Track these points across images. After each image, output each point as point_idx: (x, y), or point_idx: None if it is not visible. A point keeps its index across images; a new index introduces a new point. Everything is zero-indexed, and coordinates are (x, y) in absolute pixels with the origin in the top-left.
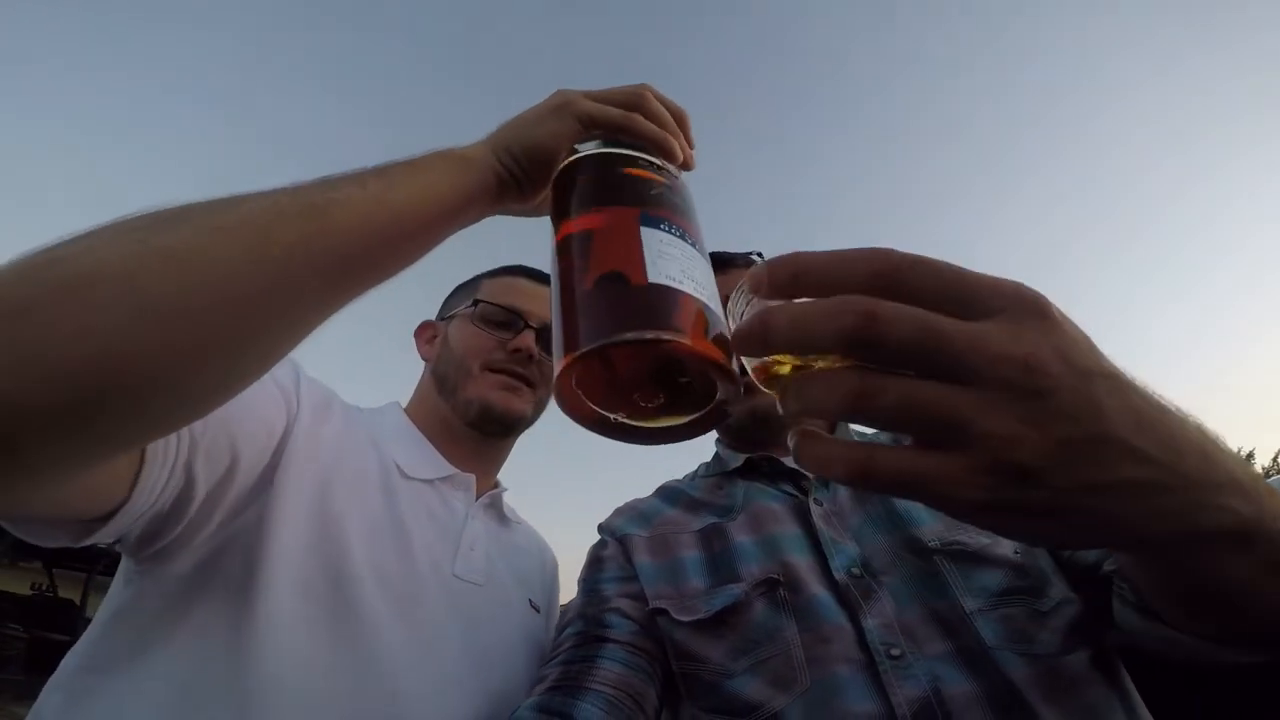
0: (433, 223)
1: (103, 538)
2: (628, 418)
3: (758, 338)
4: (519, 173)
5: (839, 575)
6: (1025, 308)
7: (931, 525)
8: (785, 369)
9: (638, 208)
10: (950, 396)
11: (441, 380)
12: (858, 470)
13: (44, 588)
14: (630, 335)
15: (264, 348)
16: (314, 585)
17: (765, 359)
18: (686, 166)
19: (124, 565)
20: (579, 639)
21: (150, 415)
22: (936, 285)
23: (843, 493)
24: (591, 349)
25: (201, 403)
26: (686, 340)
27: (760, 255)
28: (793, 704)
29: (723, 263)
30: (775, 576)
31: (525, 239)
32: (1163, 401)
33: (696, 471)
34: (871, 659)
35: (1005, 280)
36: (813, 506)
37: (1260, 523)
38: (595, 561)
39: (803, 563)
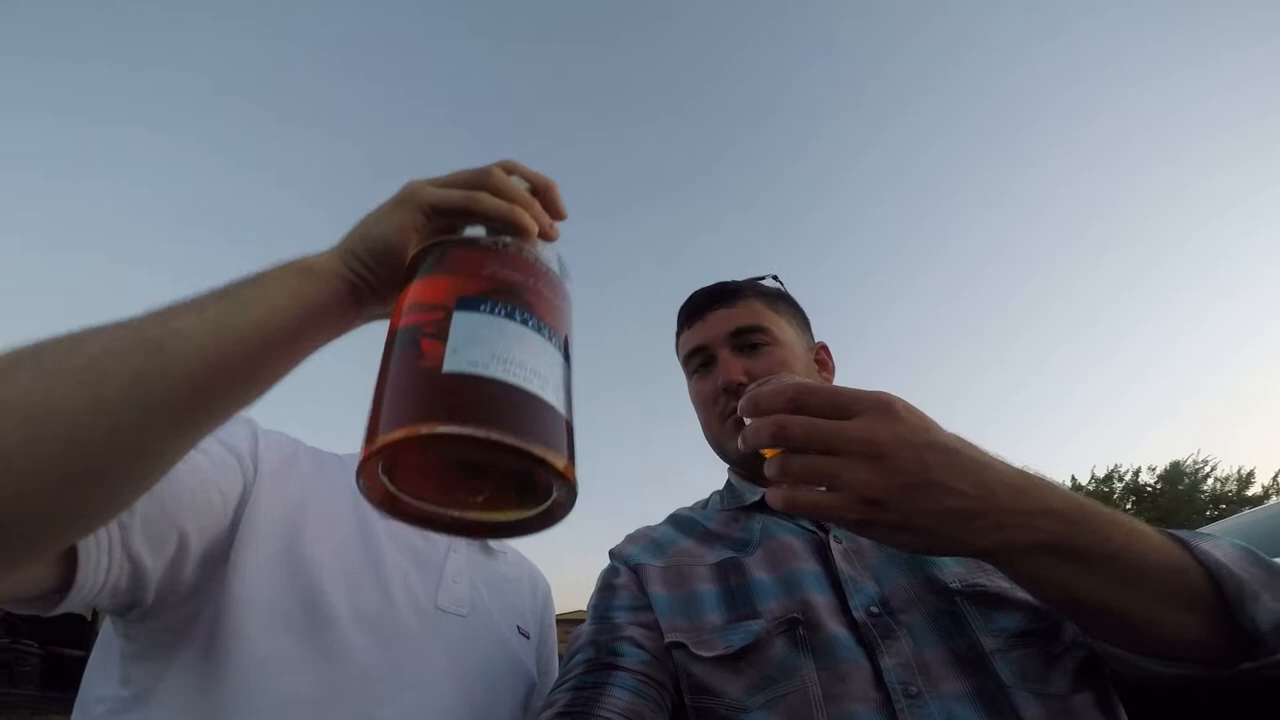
0: (281, 345)
1: (70, 608)
2: (459, 511)
3: (746, 443)
4: (370, 277)
5: (858, 614)
6: (877, 408)
7: (953, 567)
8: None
9: (456, 292)
10: (829, 463)
11: None
12: (787, 500)
13: None
14: (401, 434)
15: (128, 479)
16: (292, 624)
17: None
18: (545, 236)
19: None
20: (589, 665)
21: (25, 542)
22: (822, 402)
23: None
24: (374, 450)
25: (83, 523)
26: (482, 433)
27: (776, 278)
28: None
29: (730, 294)
30: (796, 615)
31: None
32: (985, 458)
33: (709, 501)
34: (888, 697)
35: (869, 392)
36: (833, 544)
37: (1069, 539)
38: (607, 588)
39: (822, 601)
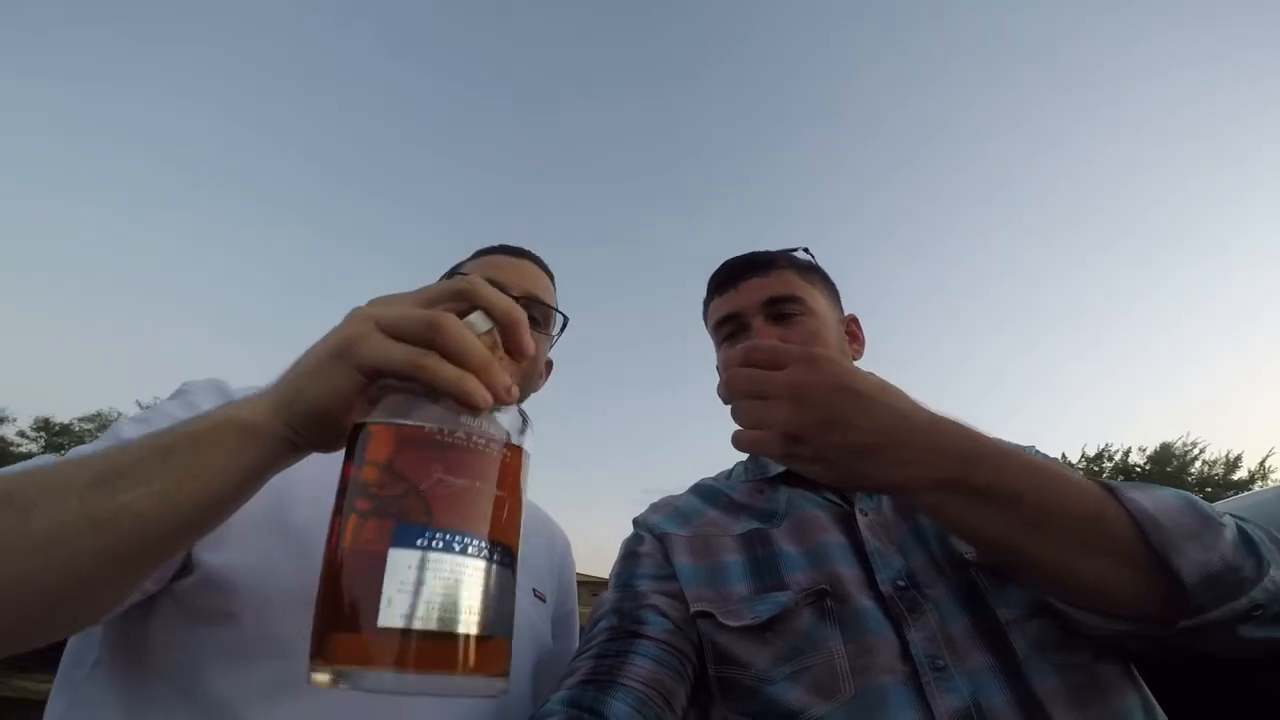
0: (225, 505)
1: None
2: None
3: (721, 397)
4: (311, 438)
5: (885, 588)
6: (802, 359)
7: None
8: None
9: (394, 513)
10: (760, 405)
11: None
12: (735, 439)
13: None
14: (327, 677)
15: (89, 618)
16: (288, 604)
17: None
18: (501, 402)
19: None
20: (612, 633)
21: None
22: (762, 357)
23: (887, 503)
24: (314, 663)
25: (45, 638)
26: (417, 690)
27: (807, 250)
28: (834, 711)
29: (764, 264)
30: (825, 587)
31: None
32: (896, 402)
33: (733, 471)
34: (915, 670)
35: (800, 348)
36: (859, 516)
37: (967, 477)
38: (631, 556)
39: (849, 574)
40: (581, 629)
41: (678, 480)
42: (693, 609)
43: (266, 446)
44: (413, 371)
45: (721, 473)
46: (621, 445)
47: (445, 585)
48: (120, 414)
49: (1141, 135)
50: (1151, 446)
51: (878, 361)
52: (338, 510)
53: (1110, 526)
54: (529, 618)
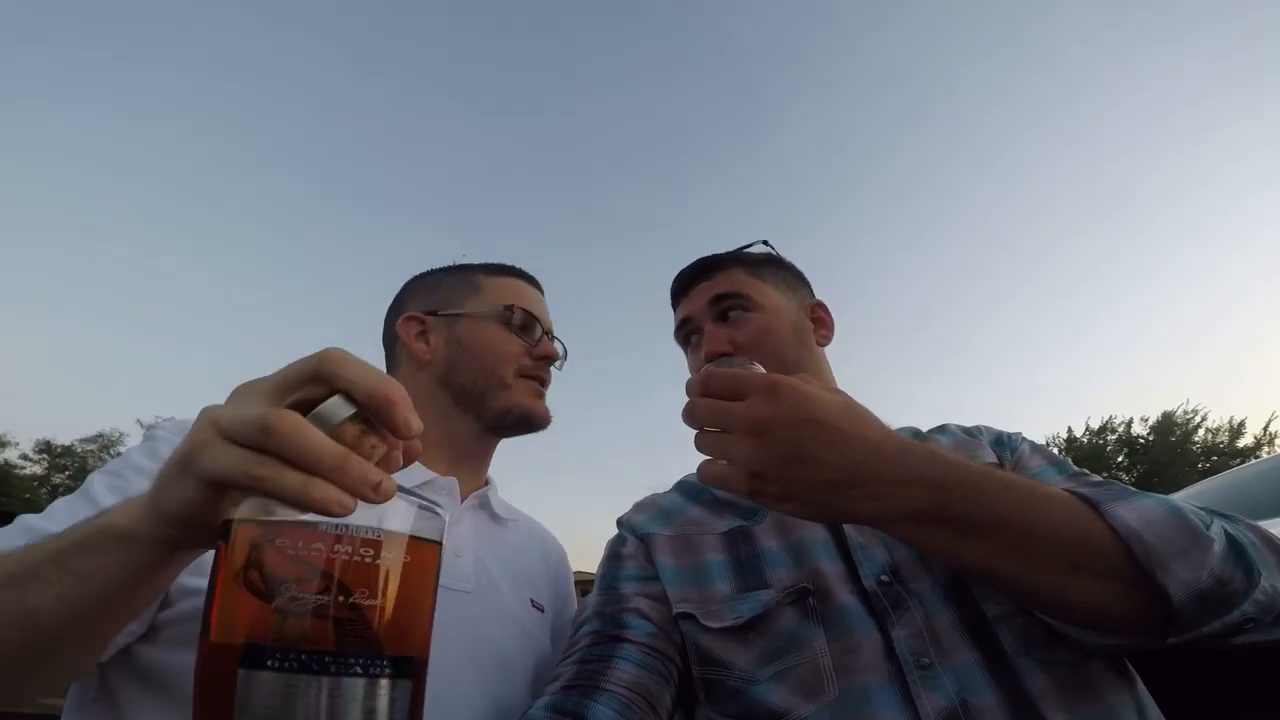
0: (122, 599)
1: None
2: None
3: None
4: (179, 537)
5: (868, 583)
6: (764, 390)
7: None
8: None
9: (245, 631)
10: (722, 439)
11: (460, 387)
12: (699, 472)
13: None
14: None
15: (32, 689)
16: None
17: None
18: (367, 499)
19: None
20: (595, 638)
21: None
22: (723, 386)
23: None
24: None
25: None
26: None
27: (766, 242)
28: (819, 711)
29: (710, 267)
30: (806, 585)
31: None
32: (865, 432)
33: None
34: (900, 668)
35: (761, 376)
36: None
37: (943, 506)
38: (614, 558)
39: (831, 570)
40: None
41: (674, 475)
42: (675, 610)
43: (144, 549)
44: (250, 483)
45: None
46: (629, 441)
47: (292, 709)
48: (121, 434)
49: (1137, 109)
50: (1154, 417)
51: (876, 342)
52: (208, 597)
53: (1096, 545)
54: (525, 628)
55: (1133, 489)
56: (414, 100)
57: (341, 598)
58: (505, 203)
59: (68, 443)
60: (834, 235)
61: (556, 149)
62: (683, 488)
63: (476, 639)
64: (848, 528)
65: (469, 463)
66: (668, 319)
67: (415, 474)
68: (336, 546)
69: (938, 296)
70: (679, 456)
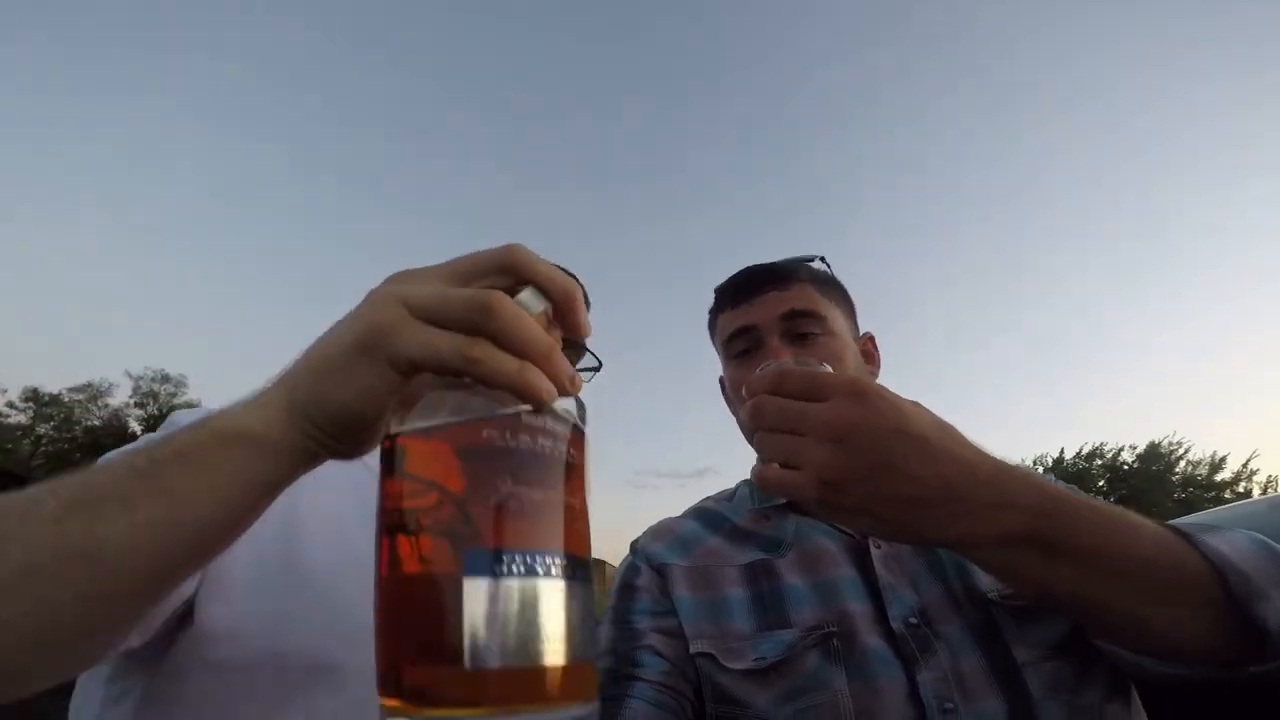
0: (226, 533)
1: None
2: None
3: (742, 425)
4: (332, 443)
5: (896, 625)
6: (849, 392)
7: (990, 577)
8: None
9: (457, 543)
10: (794, 442)
11: None
12: (760, 477)
13: None
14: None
15: (75, 666)
16: (305, 657)
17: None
18: (565, 392)
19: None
20: (607, 676)
21: None
22: (797, 385)
23: None
24: (391, 708)
25: (19, 690)
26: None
27: (824, 259)
28: None
29: (783, 276)
30: (830, 628)
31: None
32: (958, 449)
33: (736, 492)
34: (923, 713)
35: (843, 376)
36: (872, 548)
37: (1039, 532)
38: (627, 589)
39: (859, 609)
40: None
41: (671, 464)
42: (693, 649)
43: (279, 461)
44: (464, 365)
45: (723, 493)
46: (617, 428)
47: (528, 615)
48: (110, 384)
49: (1139, 144)
50: (1142, 445)
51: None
52: (386, 531)
53: (1190, 576)
54: None
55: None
56: (450, 95)
57: (541, 496)
58: (526, 201)
59: (55, 391)
60: (827, 249)
61: (560, 153)
62: (700, 515)
63: None
64: (878, 566)
65: None
66: (655, 315)
67: None
68: (534, 445)
69: (926, 323)
70: (657, 444)
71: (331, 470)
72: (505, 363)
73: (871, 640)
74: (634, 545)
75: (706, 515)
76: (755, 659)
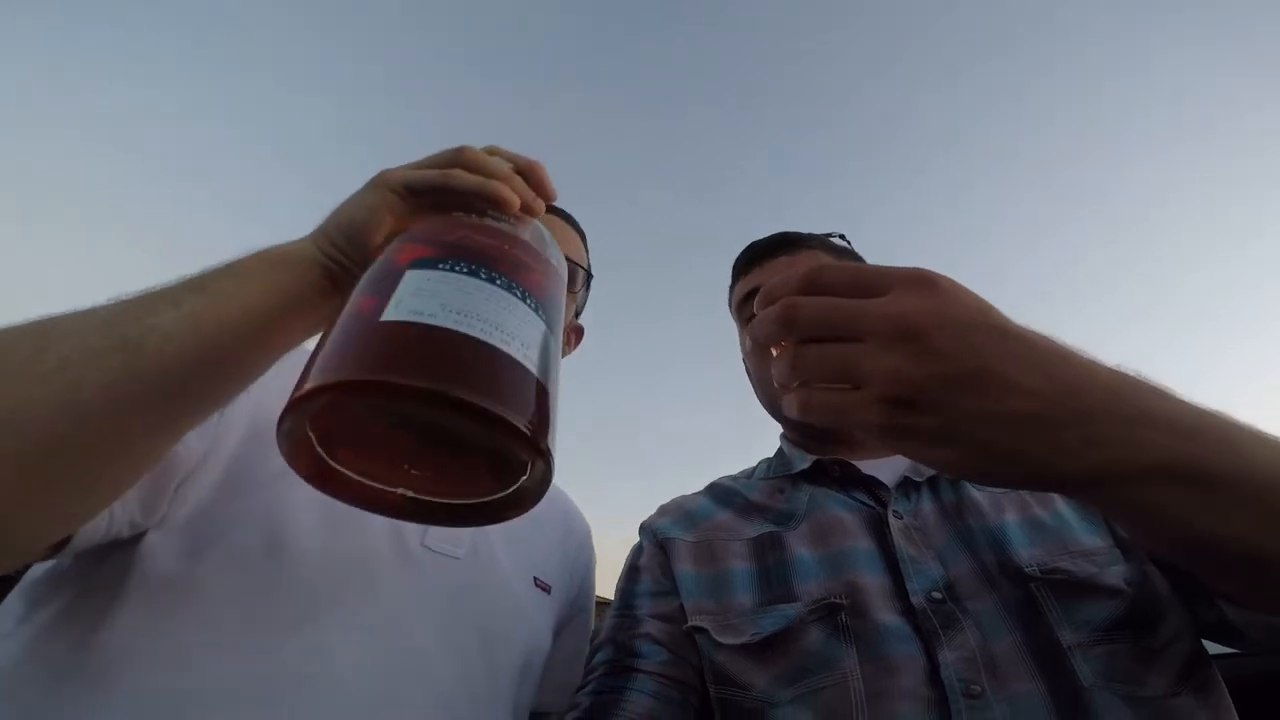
0: (260, 339)
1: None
2: (404, 490)
3: (757, 339)
4: (346, 261)
5: (916, 599)
6: (911, 283)
7: (1030, 550)
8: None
9: (413, 256)
10: (846, 349)
11: None
12: (802, 404)
13: None
14: (313, 386)
15: (111, 481)
16: (246, 559)
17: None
18: (529, 211)
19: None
20: (608, 667)
21: (10, 549)
22: (844, 279)
23: (927, 505)
24: (286, 406)
25: (70, 524)
26: (422, 383)
27: (844, 236)
28: None
29: (794, 242)
30: (837, 600)
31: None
32: (1065, 350)
33: (755, 469)
34: (943, 696)
35: (902, 268)
36: (891, 519)
37: (1196, 460)
38: (631, 571)
39: (873, 583)
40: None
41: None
42: (689, 623)
43: (301, 273)
44: (441, 180)
45: (742, 471)
46: (666, 458)
47: (464, 295)
48: None
49: (1137, 123)
50: None
51: None
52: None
53: None
54: (520, 606)
55: None
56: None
57: (500, 248)
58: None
59: None
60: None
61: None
62: (713, 491)
63: (455, 612)
64: (897, 537)
65: None
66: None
67: None
68: (496, 221)
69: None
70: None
71: None
72: (473, 178)
73: (886, 615)
74: (642, 524)
75: (719, 491)
76: (752, 633)
